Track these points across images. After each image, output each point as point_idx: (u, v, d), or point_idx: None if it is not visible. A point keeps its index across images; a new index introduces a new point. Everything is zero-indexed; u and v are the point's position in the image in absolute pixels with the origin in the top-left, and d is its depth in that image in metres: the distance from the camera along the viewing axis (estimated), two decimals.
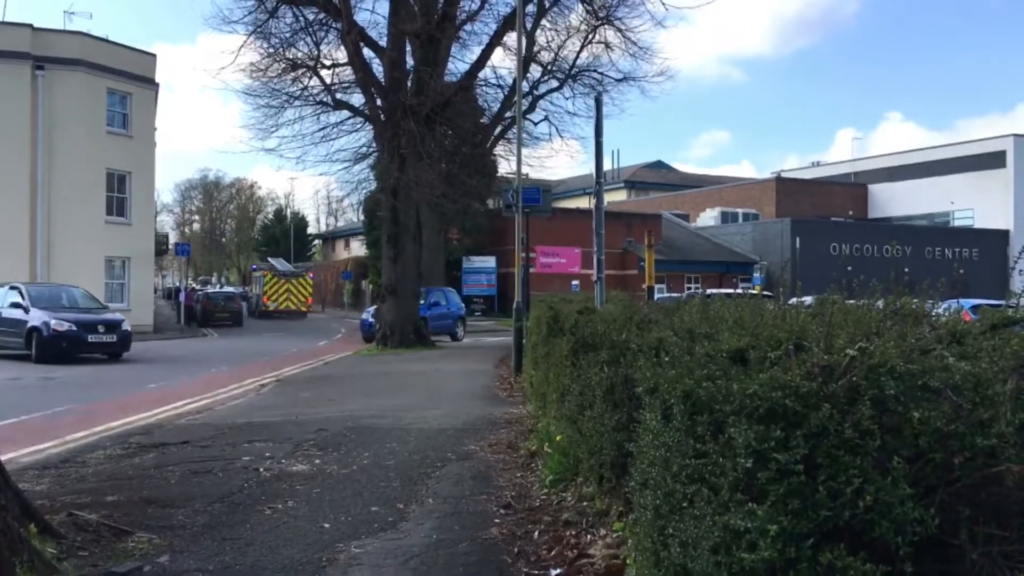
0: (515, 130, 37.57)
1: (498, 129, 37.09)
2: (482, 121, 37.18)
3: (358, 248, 68.96)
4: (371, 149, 27.70)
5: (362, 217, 57.42)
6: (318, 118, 27.08)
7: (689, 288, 45.48)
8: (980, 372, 2.23)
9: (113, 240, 34.98)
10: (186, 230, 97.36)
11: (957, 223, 62.63)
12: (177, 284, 58.24)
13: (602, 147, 16.37)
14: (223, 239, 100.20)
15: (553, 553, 5.25)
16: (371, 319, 30.24)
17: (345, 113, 27.36)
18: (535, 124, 37.21)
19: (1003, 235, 58.74)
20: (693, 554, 2.56)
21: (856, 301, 3.59)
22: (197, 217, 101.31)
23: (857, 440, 2.16)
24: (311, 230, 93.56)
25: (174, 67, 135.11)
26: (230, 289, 55.24)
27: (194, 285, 65.03)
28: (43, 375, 18.34)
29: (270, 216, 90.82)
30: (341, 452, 8.88)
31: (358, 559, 5.24)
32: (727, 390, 2.32)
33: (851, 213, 64.13)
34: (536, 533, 5.74)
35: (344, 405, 13.14)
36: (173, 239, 71.66)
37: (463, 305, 34.08)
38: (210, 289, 53.80)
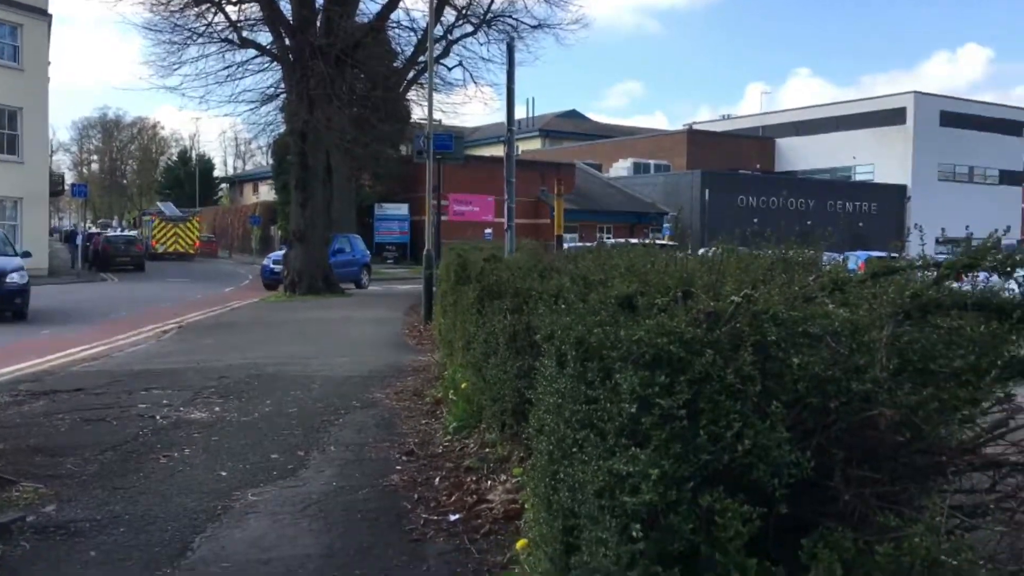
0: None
1: (411, 74, 36.41)
2: (395, 65, 36.49)
3: (267, 193, 67.37)
4: (279, 90, 26.88)
5: (271, 161, 56.03)
6: (223, 56, 26.06)
7: (600, 238, 45.92)
8: (858, 319, 2.28)
9: (3, 179, 33.32)
10: (84, 170, 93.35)
11: (859, 178, 64.60)
12: (74, 227, 56.19)
13: (514, 94, 16.23)
14: (124, 181, 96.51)
15: (453, 499, 5.27)
16: (273, 265, 29.36)
17: (252, 52, 26.42)
18: (449, 70, 36.66)
19: (901, 190, 60.92)
20: (580, 498, 2.58)
21: (749, 250, 3.65)
22: (96, 157, 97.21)
23: (739, 385, 2.19)
24: (218, 173, 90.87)
25: None
26: (131, 233, 53.37)
27: (94, 228, 62.58)
28: None
29: (174, 158, 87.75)
30: (242, 400, 8.72)
31: (254, 506, 5.16)
32: (615, 336, 2.32)
33: (759, 166, 65.50)
34: (437, 480, 5.75)
35: (248, 353, 12.90)
36: (70, 180, 68.75)
37: (368, 252, 33.41)
38: (110, 232, 51.85)
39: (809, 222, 52.70)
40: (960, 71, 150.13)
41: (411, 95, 38.37)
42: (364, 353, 12.87)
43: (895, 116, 62.71)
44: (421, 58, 31.65)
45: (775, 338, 2.25)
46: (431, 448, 6.69)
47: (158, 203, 60.47)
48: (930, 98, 63.94)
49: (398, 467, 6.14)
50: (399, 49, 36.82)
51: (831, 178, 63.77)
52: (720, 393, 2.19)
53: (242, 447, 6.70)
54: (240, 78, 26.29)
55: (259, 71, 26.78)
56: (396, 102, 35.38)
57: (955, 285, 2.39)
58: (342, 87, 24.69)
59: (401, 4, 32.30)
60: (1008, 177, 67.33)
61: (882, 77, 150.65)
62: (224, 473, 5.94)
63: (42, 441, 6.80)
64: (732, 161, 63.66)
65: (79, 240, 39.68)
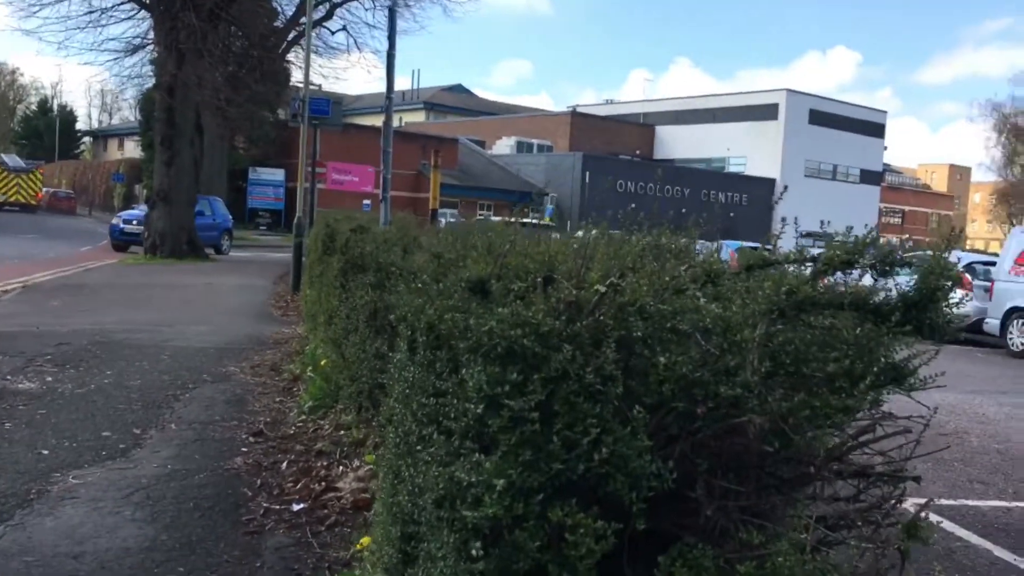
0: (312, 38, 35.93)
1: (292, 35, 35.20)
2: (276, 25, 35.13)
3: (133, 149, 64.13)
4: (146, 40, 25.39)
5: (139, 116, 53.35)
6: (88, 1, 24.42)
7: (481, 215, 45.72)
8: (730, 316, 2.07)
9: None
10: None
11: (732, 169, 66.50)
12: None
13: (394, 61, 15.76)
14: None
15: (299, 486, 4.91)
16: (123, 225, 27.49)
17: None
18: (332, 33, 35.60)
19: (771, 183, 63.03)
20: (420, 504, 2.30)
21: (624, 234, 3.43)
22: None
23: (599, 386, 1.95)
24: (82, 126, 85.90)
25: None
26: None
27: None
28: None
29: (33, 107, 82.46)
30: (80, 369, 8.05)
31: (74, 491, 4.67)
32: (464, 325, 2.04)
33: (638, 152, 66.59)
34: (285, 464, 5.38)
35: (97, 317, 12.06)
36: None
37: (231, 217, 31.81)
38: None
39: (684, 209, 53.74)
40: (830, 72, 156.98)
41: (291, 57, 37.13)
42: (223, 322, 12.23)
43: (768, 111, 64.77)
44: (302, 19, 30.56)
45: (641, 334, 2.01)
46: (283, 428, 6.29)
47: (1, 154, 59.45)
48: (801, 96, 66.28)
49: (243, 449, 5.73)
50: (279, 8, 35.54)
51: (706, 168, 65.42)
52: (578, 394, 1.94)
53: (71, 423, 6.13)
54: (104, 25, 24.69)
55: (125, 19, 25.22)
56: (274, 63, 34.10)
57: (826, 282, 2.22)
58: (215, 43, 23.51)
59: None
60: (868, 177, 70.75)
61: (758, 73, 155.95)
62: (46, 452, 5.38)
63: None
64: (613, 145, 64.50)
65: None
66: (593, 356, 1.97)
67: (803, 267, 2.34)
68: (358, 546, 3.65)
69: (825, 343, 2.14)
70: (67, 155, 74.83)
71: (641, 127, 71.02)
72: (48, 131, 73.62)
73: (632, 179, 55.02)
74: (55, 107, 79.58)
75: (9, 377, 7.52)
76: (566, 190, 53.11)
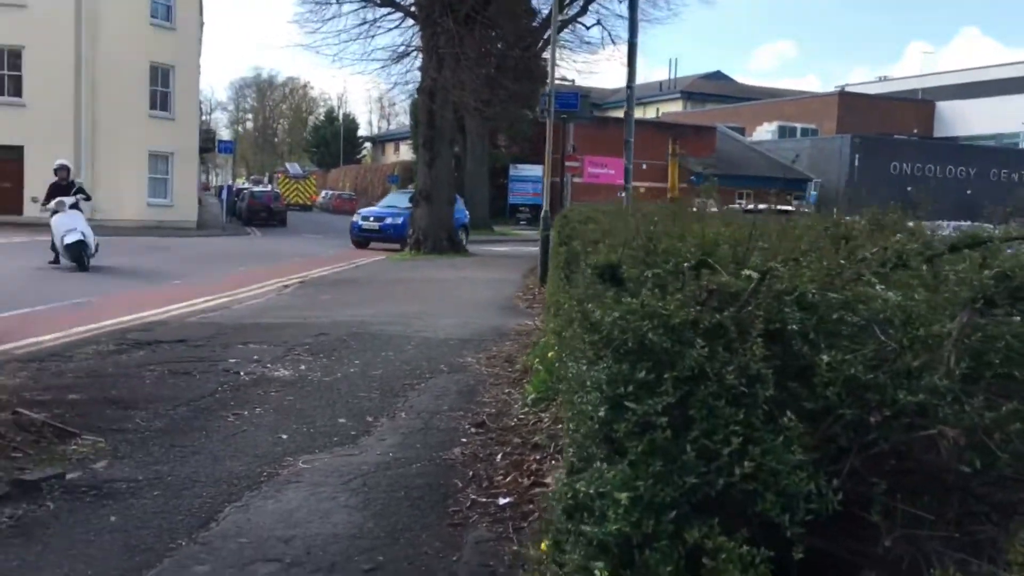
0: (567, 33, 36.37)
1: (548, 32, 35.83)
2: (534, 24, 35.95)
3: (407, 152, 68.39)
4: (410, 48, 26.87)
5: (410, 121, 56.82)
6: (359, 13, 26.24)
7: (738, 203, 44.22)
8: (912, 306, 1.70)
9: (157, 135, 34.92)
10: (239, 128, 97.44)
11: None
12: (230, 183, 59.18)
13: (635, 49, 15.52)
14: (275, 139, 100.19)
15: (509, 479, 4.87)
16: (361, 222, 28.35)
17: (386, 9, 26.47)
18: (587, 28, 35.95)
19: None
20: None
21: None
22: (250, 116, 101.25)
23: (743, 388, 1.66)
24: (363, 132, 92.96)
25: None
26: (273, 188, 55.67)
27: (246, 184, 66.07)
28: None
29: (321, 118, 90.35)
30: (332, 359, 8.57)
31: (300, 475, 4.91)
32: (592, 318, 1.83)
33: (916, 131, 61.53)
34: (500, 456, 5.36)
35: (358, 309, 12.85)
36: (227, 137, 72.32)
37: (467, 212, 32.12)
38: (256, 188, 53.85)
39: (969, 191, 49.08)
40: None
41: (548, 55, 37.80)
42: (470, 315, 12.60)
43: None
44: (559, 17, 31.00)
45: (797, 327, 1.70)
46: (505, 420, 6.30)
47: (286, 163, 72.80)
48: None
49: (463, 439, 5.79)
50: (536, 7, 36.30)
51: (996, 145, 59.17)
52: (718, 397, 1.67)
53: (313, 409, 6.50)
54: (372, 36, 26.42)
55: (392, 28, 26.86)
56: (531, 62, 34.89)
57: None
58: (472, 46, 24.38)
59: None
60: None
61: None
62: (285, 436, 5.73)
63: (122, 393, 6.80)
64: (886, 126, 60.00)
65: (224, 195, 41.32)
66: (738, 353, 1.69)
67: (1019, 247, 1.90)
68: (541, 548, 3.51)
69: None
70: (350, 160, 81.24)
71: (919, 104, 65.56)
72: (334, 139, 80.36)
73: (908, 160, 50.97)
74: (340, 116, 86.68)
75: (269, 365, 8.14)
76: (833, 175, 50.07)
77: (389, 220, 28.02)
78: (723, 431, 1.66)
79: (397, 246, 26.86)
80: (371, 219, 28.48)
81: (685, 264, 1.93)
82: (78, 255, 16.82)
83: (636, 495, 1.67)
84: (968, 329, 1.70)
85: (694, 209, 4.79)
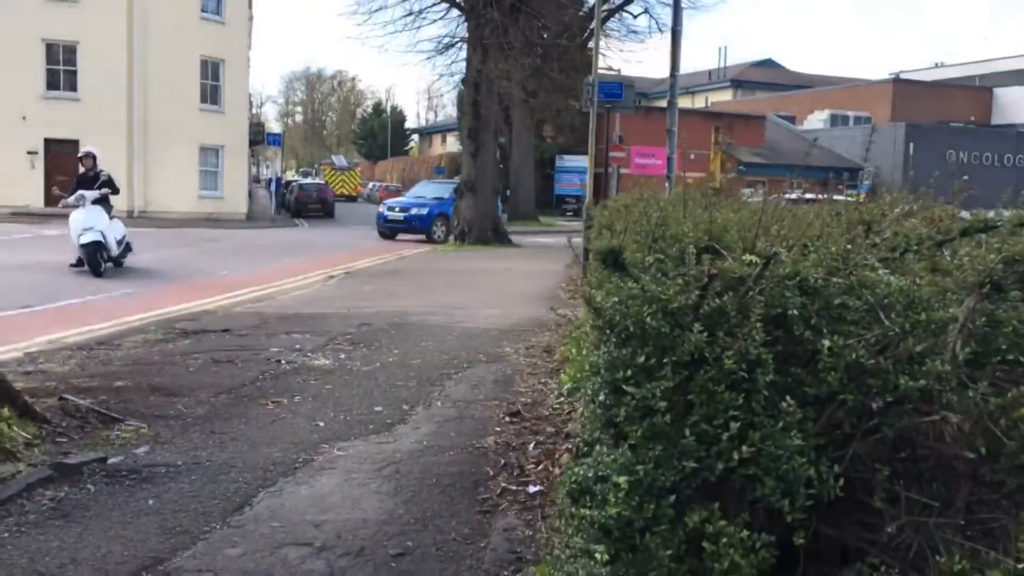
0: (613, 22, 36.14)
1: (594, 23, 35.59)
2: (580, 14, 35.74)
3: (453, 143, 68.73)
4: (455, 39, 26.92)
5: (457, 112, 57.06)
6: (405, 4, 26.36)
7: (787, 194, 43.59)
8: (914, 290, 1.68)
9: (207, 128, 35.49)
10: (289, 121, 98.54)
11: None
12: (280, 175, 60.08)
13: (679, 36, 15.36)
14: (324, 131, 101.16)
15: (540, 468, 4.89)
16: (387, 212, 28.04)
17: (431, 0, 26.57)
18: (634, 17, 35.57)
19: None
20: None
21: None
22: (300, 109, 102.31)
23: (742, 372, 1.66)
24: (410, 124, 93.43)
25: None
26: (321, 181, 56.25)
27: (295, 176, 67.35)
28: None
29: (369, 110, 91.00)
30: (372, 348, 8.66)
31: (334, 462, 4.99)
32: (595, 302, 1.84)
33: (973, 119, 60.06)
34: (532, 445, 5.39)
35: (401, 300, 12.96)
36: (278, 130, 73.34)
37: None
38: (305, 180, 54.43)
39: None
40: None
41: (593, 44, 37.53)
42: (512, 305, 12.64)
43: None
44: (605, 5, 30.77)
45: (798, 312, 1.69)
46: (539, 410, 6.32)
47: (332, 156, 75.65)
48: None
49: (497, 428, 5.82)
50: None
51: None
52: (717, 382, 1.67)
53: (351, 397, 6.59)
54: (418, 27, 26.51)
55: (438, 19, 26.92)
56: (577, 52, 34.71)
57: None
58: (516, 36, 24.35)
59: None
60: None
61: None
62: (322, 424, 5.82)
63: (166, 380, 6.95)
64: (942, 113, 58.65)
65: (273, 187, 41.85)
66: (738, 338, 1.69)
67: None
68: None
69: None
70: (397, 152, 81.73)
71: (976, 91, 63.95)
72: (381, 131, 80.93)
73: (965, 148, 49.78)
74: (388, 109, 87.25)
75: (310, 354, 8.25)
76: (887, 164, 49.09)
77: (415, 211, 27.72)
78: (722, 416, 1.66)
79: (423, 237, 26.78)
80: (396, 210, 28.21)
81: (690, 248, 1.93)
82: (93, 258, 14.70)
83: (636, 479, 1.68)
84: (974, 314, 1.68)
85: (742, 199, 4.73)
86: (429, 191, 29.30)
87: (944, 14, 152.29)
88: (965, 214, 2.22)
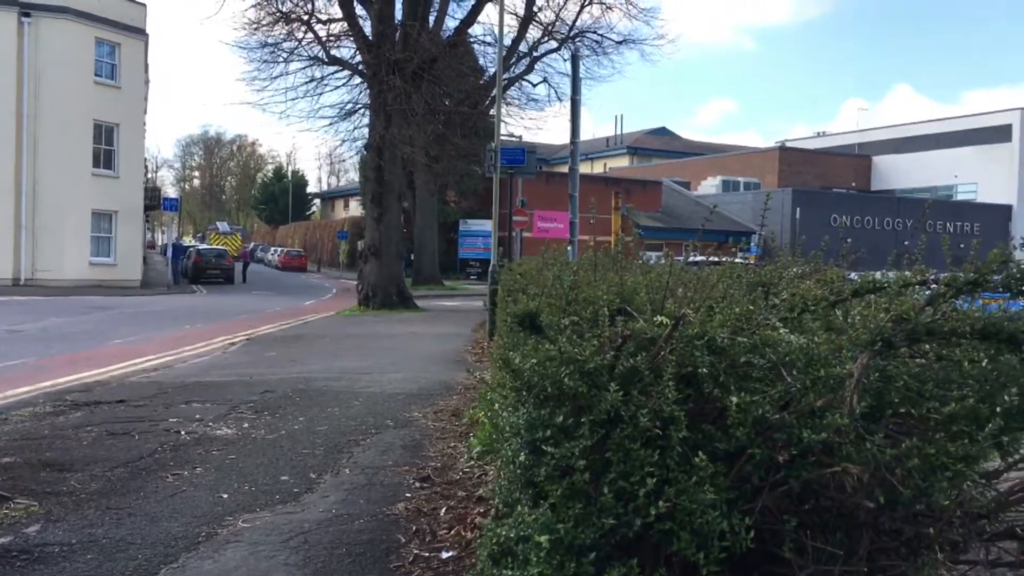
0: (514, 91, 36.91)
1: (495, 91, 36.30)
2: (481, 82, 36.41)
3: (356, 208, 68.48)
4: (357, 105, 27.06)
5: (359, 176, 57.07)
6: (306, 72, 26.42)
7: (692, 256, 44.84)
8: (812, 348, 1.78)
9: (100, 193, 34.51)
10: (186, 186, 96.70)
11: (961, 197, 61.81)
12: (177, 240, 58.80)
13: (579, 106, 15.85)
14: (223, 196, 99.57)
15: (452, 533, 4.85)
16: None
17: (334, 67, 26.70)
18: (534, 85, 36.38)
19: (1006, 210, 57.97)
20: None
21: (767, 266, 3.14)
22: (197, 173, 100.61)
23: (657, 430, 1.72)
24: (312, 189, 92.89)
25: (177, 17, 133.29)
26: (220, 246, 55.11)
27: (193, 242, 66.39)
28: (7, 328, 18.01)
29: (270, 175, 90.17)
30: (276, 416, 8.48)
31: (239, 535, 4.84)
32: (512, 365, 1.89)
33: (854, 185, 63.32)
34: (443, 510, 5.34)
35: (305, 366, 12.75)
36: (174, 194, 72.13)
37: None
38: (202, 246, 53.29)
39: (907, 242, 50.36)
40: None
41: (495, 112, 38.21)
42: (418, 369, 12.57)
43: (1000, 133, 59.83)
44: (506, 75, 31.45)
45: (707, 370, 1.77)
46: (450, 474, 6.28)
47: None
48: None
49: (407, 494, 5.76)
50: (484, 66, 36.81)
51: (931, 197, 61.13)
52: (633, 439, 1.73)
53: (255, 467, 6.42)
54: (320, 93, 26.57)
55: (339, 86, 27.04)
56: (479, 118, 35.30)
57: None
58: (419, 103, 24.64)
59: (487, 20, 32.25)
60: None
61: (987, 94, 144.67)
62: (225, 496, 5.65)
63: (57, 455, 6.65)
64: (826, 179, 61.73)
65: (169, 253, 40.81)
66: (652, 396, 1.75)
67: (920, 290, 2.01)
68: None
69: (944, 379, 1.81)
70: (299, 216, 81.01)
71: (856, 158, 67.62)
72: (283, 195, 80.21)
73: (847, 213, 52.37)
74: (289, 173, 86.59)
75: (211, 424, 8.02)
76: (776, 227, 51.13)
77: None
78: (639, 472, 1.72)
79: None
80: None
81: (604, 311, 2.00)
82: None
83: (557, 537, 1.71)
84: (868, 370, 1.79)
85: (640, 261, 4.87)
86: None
87: (824, 86, 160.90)
88: (854, 275, 2.37)
